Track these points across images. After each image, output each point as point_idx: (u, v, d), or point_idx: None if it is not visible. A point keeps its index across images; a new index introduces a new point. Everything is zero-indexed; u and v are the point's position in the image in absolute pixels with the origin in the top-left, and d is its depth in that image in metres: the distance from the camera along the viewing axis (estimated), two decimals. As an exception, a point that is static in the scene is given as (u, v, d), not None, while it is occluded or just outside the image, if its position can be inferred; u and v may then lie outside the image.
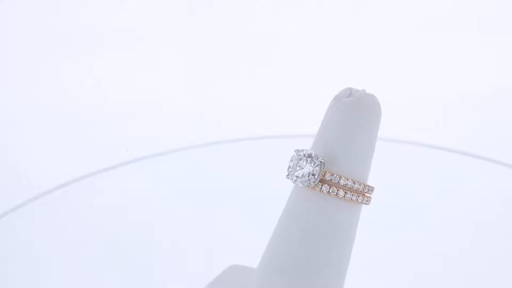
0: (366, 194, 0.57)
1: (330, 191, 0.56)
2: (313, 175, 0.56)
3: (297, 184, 0.56)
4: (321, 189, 0.56)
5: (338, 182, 0.56)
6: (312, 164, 0.56)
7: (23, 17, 1.36)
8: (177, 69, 1.33)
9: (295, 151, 0.57)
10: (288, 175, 0.57)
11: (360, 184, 0.57)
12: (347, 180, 0.56)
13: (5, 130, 1.22)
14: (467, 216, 0.85)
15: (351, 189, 0.56)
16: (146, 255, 0.81)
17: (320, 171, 0.55)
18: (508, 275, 0.77)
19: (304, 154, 0.56)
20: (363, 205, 0.58)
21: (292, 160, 0.57)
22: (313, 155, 0.56)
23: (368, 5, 1.38)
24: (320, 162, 0.56)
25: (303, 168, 0.56)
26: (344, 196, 0.56)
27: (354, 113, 0.57)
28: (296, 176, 0.56)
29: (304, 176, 0.56)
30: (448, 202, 0.88)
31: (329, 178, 0.56)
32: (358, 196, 0.57)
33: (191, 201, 0.88)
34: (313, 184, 0.56)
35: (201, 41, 1.35)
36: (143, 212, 0.88)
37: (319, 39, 1.34)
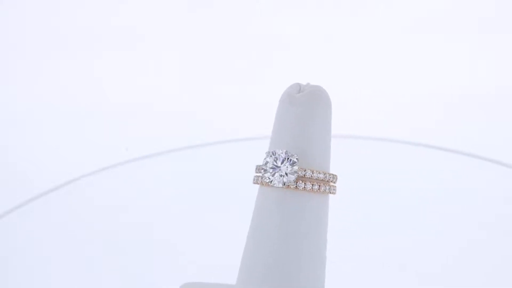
0: (331, 183, 0.58)
1: (306, 186, 0.57)
2: (291, 173, 0.56)
3: (273, 185, 0.57)
4: (296, 186, 0.57)
5: (311, 176, 0.57)
6: (288, 163, 0.56)
7: (23, 17, 1.36)
8: (177, 69, 1.33)
9: (266, 153, 0.57)
10: (259, 178, 0.58)
11: (325, 174, 0.58)
12: (318, 173, 0.57)
13: (5, 130, 1.22)
14: (468, 216, 0.85)
15: (323, 181, 0.57)
16: (146, 255, 0.81)
17: (297, 168, 0.56)
18: (509, 275, 0.77)
19: (278, 155, 0.57)
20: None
21: (266, 163, 0.57)
22: (288, 154, 0.56)
23: (368, 5, 1.38)
24: (296, 159, 0.56)
25: (279, 168, 0.56)
26: (319, 189, 0.57)
27: (310, 107, 0.58)
28: (274, 177, 0.57)
29: (283, 176, 0.56)
30: (448, 203, 0.88)
31: (302, 174, 0.57)
32: (326, 187, 0.58)
33: (191, 201, 0.88)
34: (292, 182, 0.56)
35: (201, 41, 1.35)
36: (143, 212, 0.88)
37: (319, 39, 1.34)
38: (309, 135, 0.58)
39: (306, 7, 1.38)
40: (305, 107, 0.58)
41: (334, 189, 0.58)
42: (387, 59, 1.32)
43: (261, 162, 0.58)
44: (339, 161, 0.94)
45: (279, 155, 0.57)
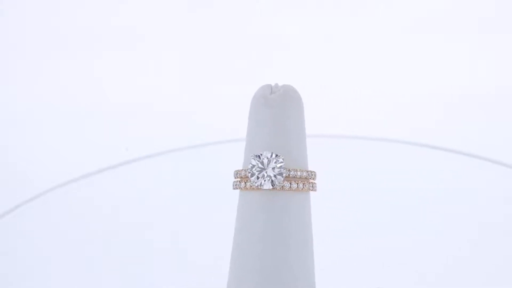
0: (311, 180, 0.59)
1: (291, 186, 0.57)
2: (280, 174, 0.57)
3: (262, 188, 0.57)
4: (283, 186, 0.57)
5: (295, 175, 0.58)
6: (275, 164, 0.57)
7: (23, 17, 1.36)
8: (177, 69, 1.33)
9: (251, 156, 0.58)
10: (239, 184, 0.58)
11: (308, 172, 0.58)
12: (301, 171, 0.58)
13: (5, 130, 1.22)
14: (468, 216, 0.85)
15: (306, 178, 0.58)
16: (146, 255, 0.81)
17: (285, 169, 0.57)
18: (510, 276, 0.77)
19: (264, 157, 0.57)
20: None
21: (252, 166, 0.57)
22: (273, 155, 0.57)
23: (368, 5, 1.38)
24: (282, 160, 0.57)
25: (267, 170, 0.57)
26: (303, 187, 0.58)
27: (285, 107, 0.58)
28: (263, 180, 0.57)
29: (272, 177, 0.57)
30: (448, 203, 0.88)
31: (287, 174, 0.57)
32: (308, 185, 0.59)
33: (191, 201, 0.88)
34: (281, 183, 0.57)
35: (201, 41, 1.35)
36: (143, 212, 0.88)
37: (319, 39, 1.34)
38: (287, 134, 0.58)
39: (306, 7, 1.38)
40: (281, 108, 0.58)
41: (315, 186, 0.59)
42: (387, 59, 1.32)
43: (240, 167, 0.59)
44: (339, 161, 0.94)
45: (265, 157, 0.57)
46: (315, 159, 0.94)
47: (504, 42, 1.33)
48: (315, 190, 0.59)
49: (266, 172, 0.57)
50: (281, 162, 0.57)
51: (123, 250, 0.82)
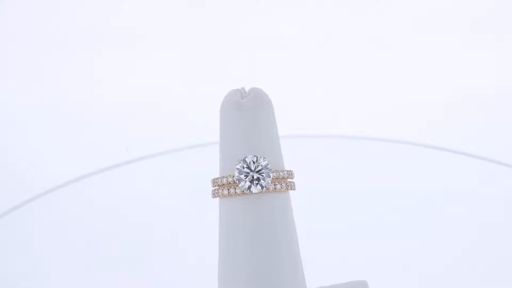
0: (289, 179, 0.59)
1: (276, 187, 0.58)
2: (267, 176, 0.57)
3: (251, 192, 0.57)
4: (268, 189, 0.58)
5: (278, 176, 0.58)
6: (262, 167, 0.57)
7: (23, 17, 1.36)
8: (177, 69, 1.33)
9: (236, 162, 0.58)
10: (220, 191, 0.58)
11: (288, 172, 0.59)
12: (283, 172, 0.58)
13: (5, 130, 1.22)
14: (469, 217, 0.85)
15: (286, 179, 0.59)
16: (146, 255, 0.81)
17: (271, 170, 0.57)
18: (510, 276, 0.77)
19: (250, 161, 0.57)
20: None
21: (239, 171, 0.57)
22: (258, 159, 0.57)
23: (368, 5, 1.38)
24: (268, 162, 0.57)
25: (256, 174, 0.57)
26: (286, 187, 0.58)
27: (259, 109, 0.59)
28: (251, 184, 0.57)
29: (260, 181, 0.57)
30: (449, 203, 0.88)
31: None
32: (289, 184, 0.59)
33: (191, 201, 0.88)
34: (268, 185, 0.57)
35: (201, 41, 1.35)
36: (143, 212, 0.88)
37: (319, 39, 1.34)
38: (264, 137, 0.59)
39: (306, 7, 1.38)
40: (255, 111, 0.59)
41: (294, 185, 0.59)
42: (387, 59, 1.32)
43: (217, 175, 0.59)
44: (339, 162, 0.94)
45: (250, 160, 0.57)
46: (315, 159, 0.94)
47: (504, 42, 1.33)
48: (294, 189, 0.60)
49: (254, 176, 0.57)
50: (267, 164, 0.57)
51: (123, 250, 0.82)
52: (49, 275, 0.78)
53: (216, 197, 0.59)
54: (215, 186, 0.59)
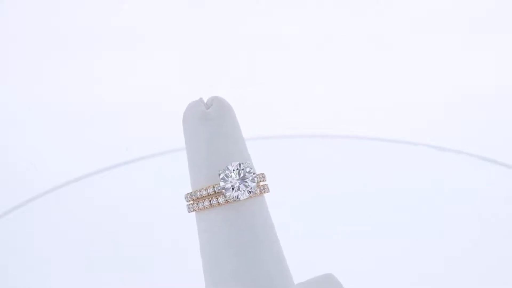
0: (263, 183, 0.59)
1: (258, 191, 0.58)
2: (253, 180, 0.57)
3: (239, 199, 0.57)
4: (255, 193, 0.58)
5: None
6: (247, 172, 0.57)
7: (23, 17, 1.36)
8: (177, 69, 1.33)
9: (219, 172, 0.57)
10: (196, 205, 0.58)
11: (261, 176, 0.59)
12: (258, 176, 0.58)
13: (5, 130, 1.22)
14: (469, 217, 0.85)
15: (259, 183, 0.59)
16: (146, 255, 0.81)
17: (254, 174, 0.58)
18: (510, 276, 0.77)
19: (233, 169, 0.57)
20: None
21: (225, 180, 0.57)
22: (240, 165, 0.57)
23: (368, 5, 1.38)
24: (250, 166, 0.57)
25: (242, 181, 0.57)
26: (264, 191, 0.59)
27: (224, 118, 0.59)
28: (238, 191, 0.57)
29: (247, 187, 0.57)
30: (449, 203, 0.88)
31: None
32: (264, 188, 0.59)
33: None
34: (255, 189, 0.57)
35: (201, 41, 1.35)
36: (143, 212, 0.88)
37: (319, 39, 1.34)
38: (232, 144, 0.59)
39: (306, 7, 1.38)
40: (221, 120, 0.59)
41: (268, 188, 0.60)
42: (387, 59, 1.32)
43: (189, 190, 0.58)
44: (339, 162, 0.94)
45: (233, 168, 0.57)
46: (315, 159, 0.94)
47: (504, 42, 1.33)
48: (268, 192, 0.60)
49: (239, 183, 0.57)
50: (250, 169, 0.57)
51: (123, 250, 0.82)
52: (49, 275, 0.78)
53: (193, 211, 0.59)
54: (190, 200, 0.59)
